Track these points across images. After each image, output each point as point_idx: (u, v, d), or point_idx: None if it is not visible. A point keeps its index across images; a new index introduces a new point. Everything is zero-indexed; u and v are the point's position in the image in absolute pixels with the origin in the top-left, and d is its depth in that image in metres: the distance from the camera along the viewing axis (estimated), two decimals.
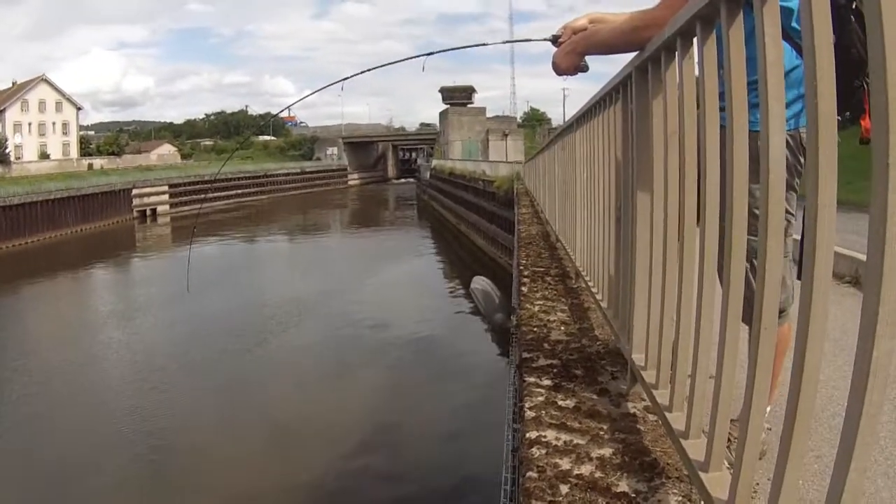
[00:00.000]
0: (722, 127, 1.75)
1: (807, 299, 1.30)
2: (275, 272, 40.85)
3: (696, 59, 1.97)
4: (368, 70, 3.55)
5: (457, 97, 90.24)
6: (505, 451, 5.27)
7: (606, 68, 3.32)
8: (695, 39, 1.93)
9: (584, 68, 2.77)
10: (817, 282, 1.28)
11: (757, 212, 1.53)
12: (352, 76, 3.64)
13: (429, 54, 3.35)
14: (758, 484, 2.04)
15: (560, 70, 2.77)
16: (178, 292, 30.46)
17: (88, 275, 41.51)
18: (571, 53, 2.73)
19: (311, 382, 20.23)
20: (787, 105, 2.47)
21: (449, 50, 3.71)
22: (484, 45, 3.48)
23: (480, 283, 27.94)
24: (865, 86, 2.18)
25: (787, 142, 2.53)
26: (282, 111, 24.11)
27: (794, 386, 1.34)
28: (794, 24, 2.33)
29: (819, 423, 3.23)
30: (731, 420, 1.83)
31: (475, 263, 33.93)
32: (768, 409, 2.63)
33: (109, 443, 15.66)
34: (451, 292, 33.47)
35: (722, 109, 1.74)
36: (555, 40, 2.84)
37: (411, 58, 3.36)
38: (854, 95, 2.24)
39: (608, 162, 3.66)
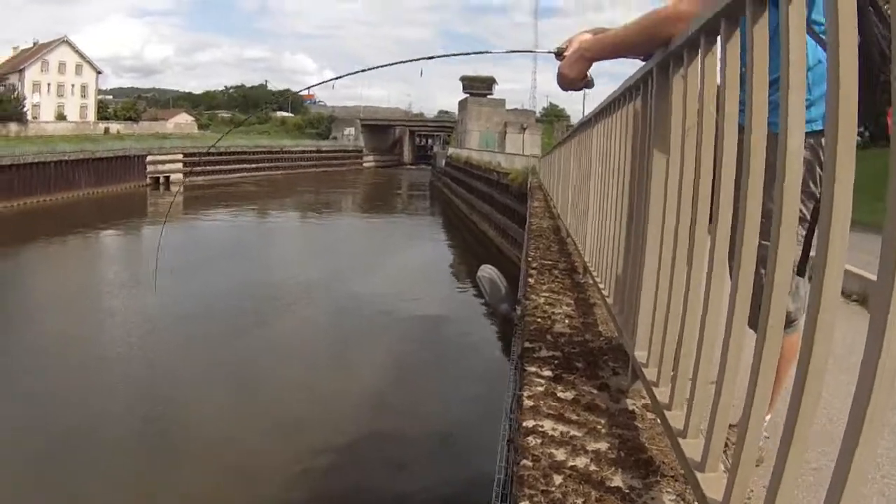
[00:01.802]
0: (741, 126, 1.73)
1: (815, 307, 1.29)
2: (283, 250, 40.90)
3: (718, 57, 1.96)
4: (379, 67, 3.59)
5: (477, 87, 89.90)
6: (500, 442, 5.28)
7: (626, 69, 3.27)
8: (718, 37, 1.92)
9: (591, 83, 2.71)
10: (826, 288, 1.27)
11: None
12: (368, 69, 3.69)
13: (429, 58, 3.35)
14: (752, 491, 2.03)
15: (567, 80, 2.68)
16: (185, 264, 30.50)
17: (98, 239, 41.66)
18: (580, 60, 2.63)
19: (315, 363, 20.28)
20: (813, 104, 2.46)
21: (450, 56, 3.71)
22: (487, 52, 3.53)
23: (487, 271, 27.94)
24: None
25: (811, 145, 2.51)
26: (301, 90, 24.23)
27: (797, 392, 1.34)
28: (814, 16, 2.31)
29: (819, 437, 3.21)
30: (730, 425, 1.82)
31: (485, 254, 33.92)
32: (768, 417, 2.62)
33: (110, 415, 15.64)
34: (458, 281, 33.56)
35: (742, 110, 1.73)
36: (559, 53, 2.75)
37: (413, 60, 3.36)
38: (879, 92, 2.19)
39: (624, 158, 3.64)
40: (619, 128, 3.81)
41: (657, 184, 2.62)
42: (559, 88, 2.73)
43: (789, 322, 1.96)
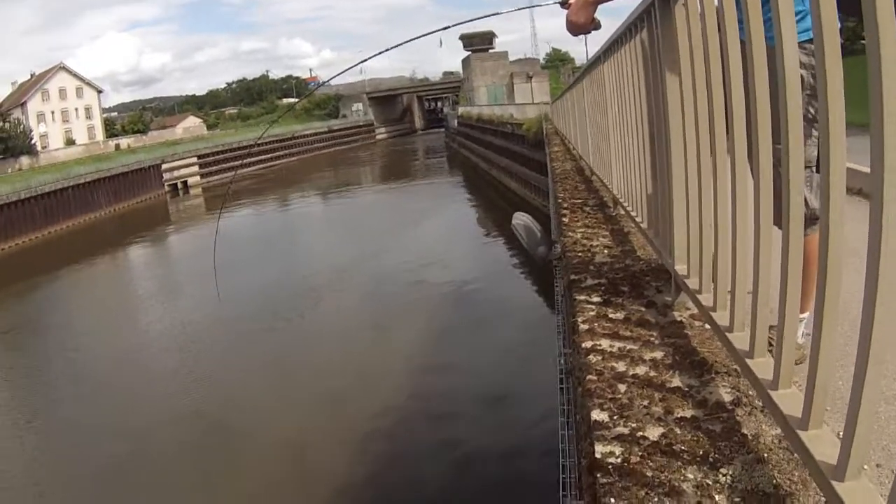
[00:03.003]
0: (742, 42, 1.89)
1: (825, 203, 1.45)
2: (311, 234, 41.00)
3: None
4: (396, 46, 3.70)
5: (477, 43, 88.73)
6: (557, 379, 5.44)
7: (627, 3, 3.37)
8: None
9: (598, 25, 2.83)
10: (833, 185, 1.43)
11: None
12: (379, 53, 3.82)
13: (444, 28, 3.46)
14: (797, 382, 2.19)
15: (577, 27, 2.80)
16: (223, 263, 30.31)
17: (126, 254, 41.74)
18: (585, 5, 2.75)
19: (365, 340, 20.22)
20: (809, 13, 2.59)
21: (464, 23, 3.81)
22: (497, 13, 3.58)
23: (521, 218, 27.84)
24: None
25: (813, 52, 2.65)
26: (325, 81, 24.11)
27: (821, 278, 1.51)
28: None
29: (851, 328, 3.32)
30: (770, 326, 1.98)
31: (509, 206, 33.90)
32: (808, 314, 2.77)
33: (163, 424, 15.86)
34: (487, 235, 33.69)
35: (741, 27, 1.88)
36: (564, 2, 2.87)
37: (428, 34, 3.48)
38: None
39: (638, 88, 3.78)
40: (630, 61, 3.95)
41: (674, 106, 2.79)
42: (569, 35, 2.87)
43: (816, 219, 2.11)
